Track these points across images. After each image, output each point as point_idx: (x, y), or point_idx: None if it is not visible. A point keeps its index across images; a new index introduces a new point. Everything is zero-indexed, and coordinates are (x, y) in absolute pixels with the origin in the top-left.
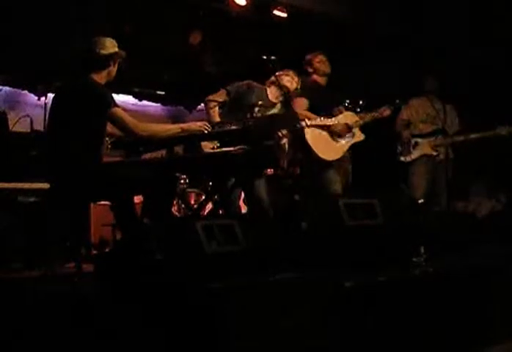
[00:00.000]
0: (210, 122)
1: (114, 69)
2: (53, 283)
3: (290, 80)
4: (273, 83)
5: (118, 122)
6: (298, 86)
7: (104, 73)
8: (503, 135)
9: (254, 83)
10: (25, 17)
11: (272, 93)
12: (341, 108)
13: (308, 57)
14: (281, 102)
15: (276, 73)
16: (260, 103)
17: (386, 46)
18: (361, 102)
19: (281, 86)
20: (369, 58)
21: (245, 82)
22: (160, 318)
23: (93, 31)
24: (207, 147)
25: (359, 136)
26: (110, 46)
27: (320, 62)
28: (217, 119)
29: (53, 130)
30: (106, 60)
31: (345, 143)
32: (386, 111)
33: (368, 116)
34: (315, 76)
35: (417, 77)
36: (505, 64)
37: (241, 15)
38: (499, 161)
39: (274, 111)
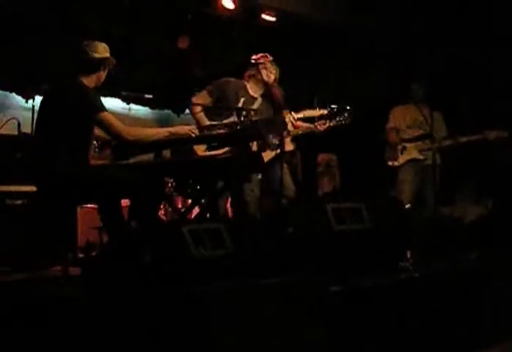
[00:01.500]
0: (198, 126)
1: (103, 74)
2: (40, 286)
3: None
4: (251, 77)
5: (106, 127)
6: (277, 76)
7: (94, 77)
8: (490, 139)
9: (233, 80)
10: (12, 19)
11: (252, 87)
12: (286, 112)
13: (253, 57)
14: (261, 95)
15: (255, 66)
16: (242, 99)
17: (373, 51)
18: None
19: (260, 80)
20: (356, 63)
21: (223, 80)
22: (146, 322)
23: (82, 34)
24: (200, 149)
25: (289, 146)
26: (102, 51)
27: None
28: (205, 122)
29: (40, 132)
30: (98, 64)
31: (269, 151)
32: (321, 126)
33: (302, 129)
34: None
35: (404, 84)
36: (492, 69)
37: (230, 19)
38: (486, 167)
39: (256, 105)
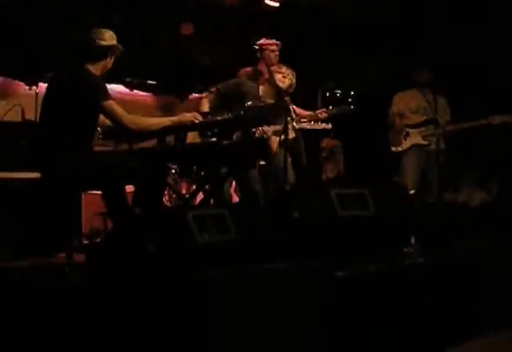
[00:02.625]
0: (198, 110)
1: (110, 61)
2: (45, 273)
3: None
4: (267, 80)
5: (110, 115)
6: (293, 82)
7: (100, 65)
8: (495, 124)
9: (245, 82)
10: (15, 6)
11: (265, 91)
12: (287, 98)
13: (258, 43)
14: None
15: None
16: (249, 103)
17: (377, 36)
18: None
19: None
20: (359, 48)
21: (234, 81)
22: (150, 309)
23: (84, 20)
24: (192, 138)
25: (291, 134)
26: (109, 38)
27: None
28: (205, 109)
29: (45, 119)
30: (105, 51)
31: (274, 139)
32: (322, 114)
33: (304, 121)
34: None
35: (408, 69)
36: (496, 55)
37: (233, 5)
38: (490, 152)
39: None
